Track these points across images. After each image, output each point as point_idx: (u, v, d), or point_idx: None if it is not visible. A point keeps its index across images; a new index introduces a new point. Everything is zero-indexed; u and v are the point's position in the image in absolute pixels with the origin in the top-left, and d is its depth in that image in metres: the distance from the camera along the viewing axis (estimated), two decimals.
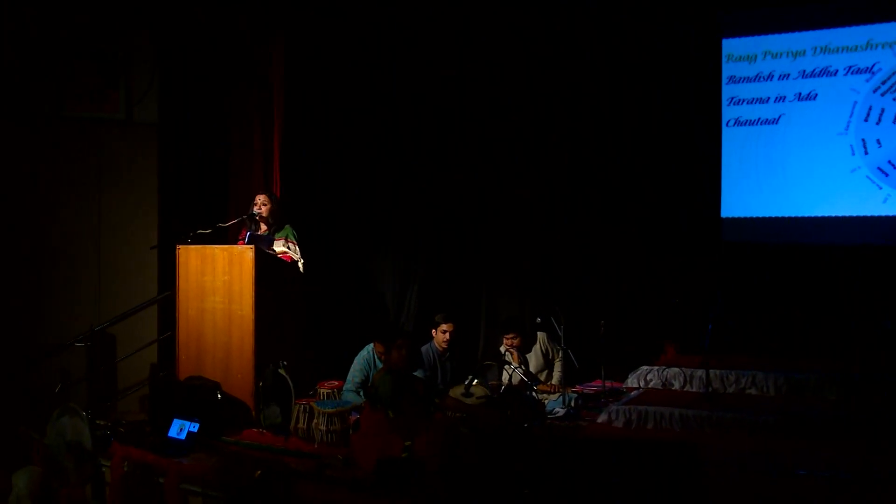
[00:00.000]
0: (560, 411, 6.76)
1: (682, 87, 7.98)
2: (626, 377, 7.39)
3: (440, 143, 8.39)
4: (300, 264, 7.14)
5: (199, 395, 6.34)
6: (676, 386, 7.13)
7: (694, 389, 6.99)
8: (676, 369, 7.15)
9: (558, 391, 7.10)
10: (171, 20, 7.89)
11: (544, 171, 8.22)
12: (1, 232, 7.27)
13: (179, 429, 5.92)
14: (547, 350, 7.49)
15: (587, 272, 8.09)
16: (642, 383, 7.26)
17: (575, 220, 8.16)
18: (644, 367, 7.34)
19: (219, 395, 6.39)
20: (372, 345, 7.04)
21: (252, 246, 6.68)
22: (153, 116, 7.77)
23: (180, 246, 6.77)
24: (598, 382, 7.24)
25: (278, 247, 7.14)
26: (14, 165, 7.37)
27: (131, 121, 7.68)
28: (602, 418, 6.53)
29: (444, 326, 7.16)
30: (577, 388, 7.35)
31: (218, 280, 6.64)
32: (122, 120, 7.65)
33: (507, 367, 7.11)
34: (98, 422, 6.31)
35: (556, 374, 7.41)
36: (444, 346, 7.18)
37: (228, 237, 7.49)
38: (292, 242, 7.19)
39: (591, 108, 8.12)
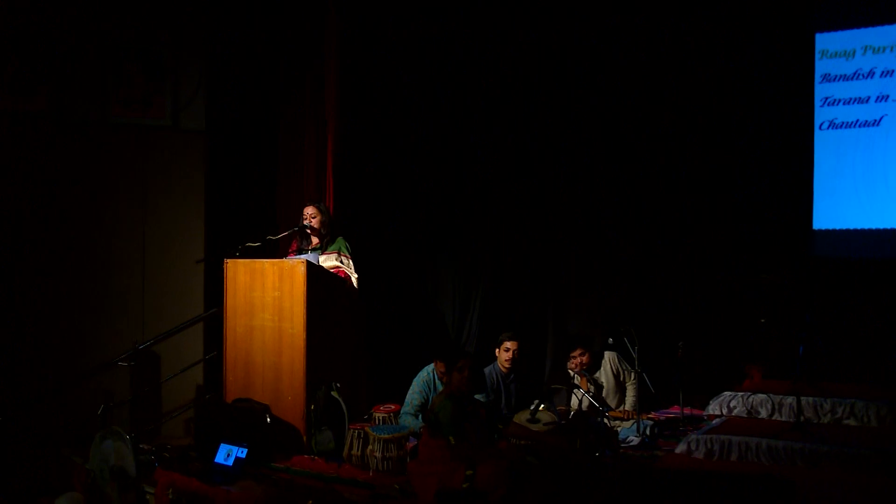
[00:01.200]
0: (634, 440, 6.71)
1: (771, 88, 7.89)
2: (707, 404, 7.33)
3: (505, 150, 8.41)
4: (354, 279, 7.18)
5: (247, 419, 6.38)
6: (763, 414, 7.04)
7: (783, 418, 6.90)
8: (763, 396, 7.06)
9: (632, 418, 7.05)
10: (219, 22, 8.03)
11: (620, 179, 8.20)
12: (43, 243, 7.46)
13: (227, 454, 5.95)
14: (618, 372, 7.43)
15: (664, 288, 8.04)
16: (725, 411, 7.19)
17: (653, 232, 8.11)
18: (727, 393, 7.27)
19: (268, 419, 6.43)
20: (432, 365, 7.05)
21: (304, 260, 6.72)
22: (200, 123, 7.90)
23: (228, 260, 6.84)
24: (675, 409, 7.19)
25: (330, 261, 7.19)
26: (58, 173, 7.55)
27: (178, 127, 7.81)
28: (680, 448, 6.47)
29: (507, 345, 7.16)
30: (653, 414, 7.29)
31: (267, 296, 6.69)
32: (168, 126, 7.79)
33: (576, 391, 7.08)
34: (142, 446, 6.39)
35: (630, 400, 7.36)
36: (508, 366, 7.17)
37: (279, 250, 7.57)
38: (346, 256, 7.23)
39: (674, 113, 8.09)
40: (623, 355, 7.46)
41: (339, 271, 7.16)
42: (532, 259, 8.39)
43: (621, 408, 7.34)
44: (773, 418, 6.96)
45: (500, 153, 8.42)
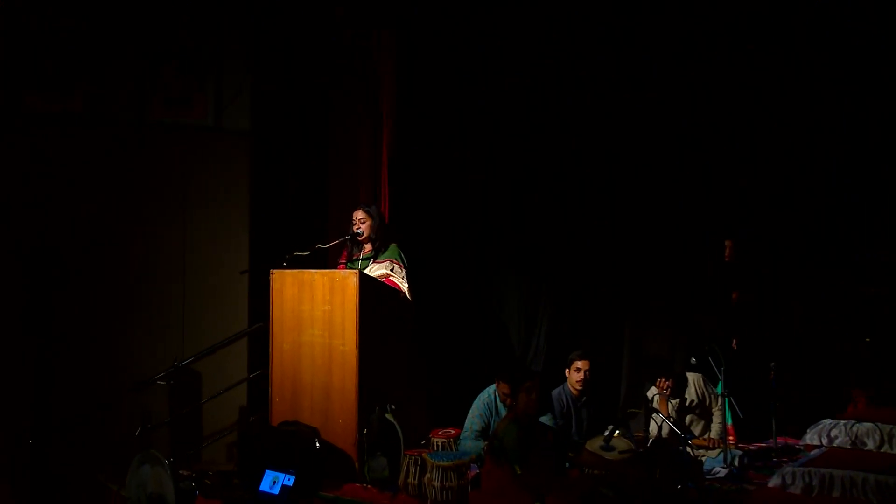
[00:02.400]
0: (721, 471, 6.64)
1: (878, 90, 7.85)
2: (804, 432, 7.24)
3: (575, 151, 8.40)
4: (405, 289, 7.18)
5: (294, 444, 6.38)
6: (870, 445, 6.93)
7: (894, 451, 6.79)
8: (870, 425, 6.97)
9: (718, 446, 6.99)
10: (265, 15, 8.08)
11: (703, 182, 8.21)
12: (78, 252, 7.56)
13: (272, 482, 5.95)
14: (703, 396, 7.37)
15: (755, 303, 7.98)
16: (825, 441, 7.10)
17: (740, 241, 8.08)
18: (827, 421, 7.19)
19: (317, 444, 6.42)
20: (494, 386, 7.04)
21: (356, 270, 6.74)
22: (245, 123, 7.95)
23: (274, 271, 6.85)
24: (769, 438, 7.08)
25: (379, 269, 7.19)
26: (94, 177, 7.66)
27: (220, 128, 7.87)
28: (774, 482, 6.39)
29: (578, 364, 7.15)
30: (742, 443, 7.18)
31: (317, 310, 6.70)
32: (210, 127, 7.85)
33: (655, 415, 7.02)
34: (181, 472, 6.42)
35: (716, 426, 7.30)
36: (580, 388, 7.16)
37: (329, 260, 7.58)
38: (398, 265, 7.22)
39: (768, 116, 8.13)
40: (707, 376, 7.39)
41: (388, 281, 7.15)
42: (606, 270, 8.39)
43: (706, 435, 7.28)
44: (883, 450, 6.84)
45: (571, 157, 8.42)
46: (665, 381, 7.25)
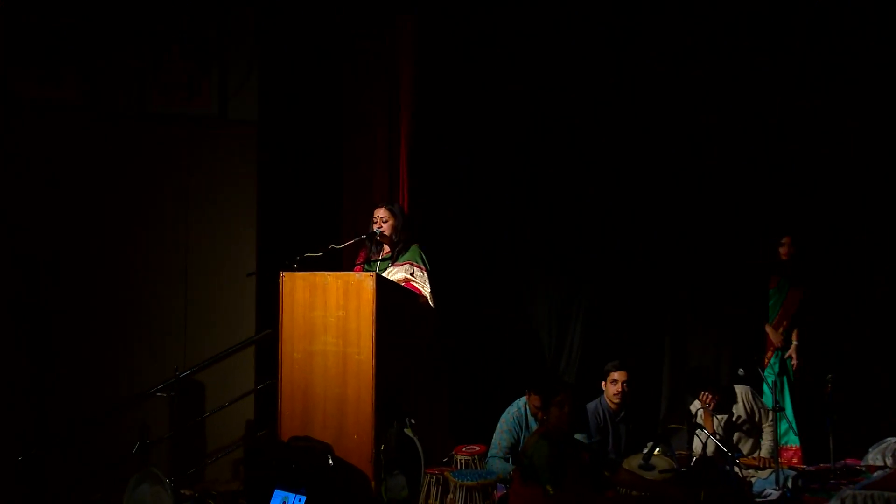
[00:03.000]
0: (772, 493, 6.57)
1: None
2: (866, 451, 7.21)
3: (612, 142, 8.40)
4: (427, 294, 7.17)
5: (305, 461, 6.35)
6: None
7: None
8: None
9: (769, 466, 6.93)
10: None
11: (755, 171, 8.22)
12: (70, 251, 7.57)
13: (282, 502, 5.94)
14: (752, 410, 7.32)
15: (809, 307, 7.93)
16: (889, 461, 7.07)
17: (800, 234, 8.04)
18: (891, 440, 7.16)
19: (330, 461, 6.39)
20: (523, 399, 7.02)
21: (373, 273, 6.72)
22: (252, 113, 7.94)
23: (284, 273, 6.80)
24: (827, 458, 7.02)
25: (399, 273, 7.18)
26: (88, 170, 7.67)
27: (225, 118, 7.86)
28: None
29: (615, 376, 7.14)
30: (796, 462, 7.17)
31: (331, 316, 6.66)
32: (214, 116, 7.85)
33: (699, 432, 6.98)
34: (183, 491, 6.48)
35: (767, 444, 7.26)
36: (617, 401, 7.15)
37: (343, 262, 7.57)
38: (419, 267, 7.21)
39: (834, 93, 8.15)
40: (757, 389, 7.37)
41: (408, 284, 7.15)
42: (645, 271, 8.37)
43: (756, 454, 7.22)
44: None
45: (608, 149, 8.42)
46: (709, 395, 7.20)
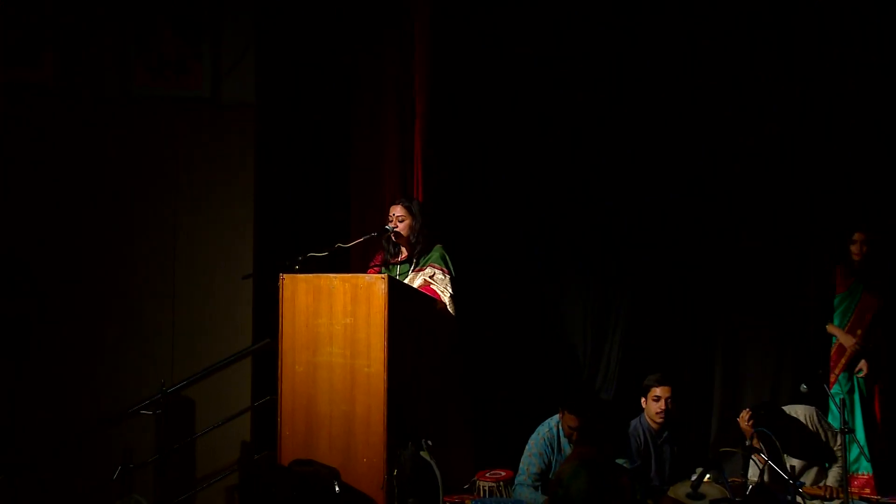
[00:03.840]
0: None
1: None
2: None
3: (653, 131, 8.39)
4: (447, 300, 7.14)
5: (308, 487, 6.32)
6: None
7: None
8: None
9: (837, 497, 6.92)
10: None
11: (823, 160, 8.21)
12: (46, 249, 7.58)
13: None
14: (817, 432, 7.27)
15: (886, 316, 7.86)
16: None
17: (877, 231, 7.98)
18: None
19: (336, 488, 6.35)
20: (556, 418, 7.01)
21: (385, 275, 6.69)
22: (249, 94, 7.93)
23: (285, 275, 6.78)
24: None
25: (419, 278, 7.16)
26: (66, 159, 7.67)
27: (219, 100, 7.85)
28: None
29: (657, 391, 7.12)
30: (868, 493, 7.18)
31: (337, 323, 6.63)
32: (206, 99, 7.84)
33: (755, 455, 6.94)
34: None
35: (834, 472, 7.22)
36: (659, 420, 7.13)
37: (351, 263, 7.57)
38: (441, 270, 7.19)
39: None
40: (822, 408, 7.36)
41: (428, 290, 7.13)
42: (692, 273, 8.35)
43: (822, 483, 7.17)
44: None
45: (650, 139, 8.41)
46: (750, 414, 7.17)
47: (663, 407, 7.06)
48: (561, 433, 6.93)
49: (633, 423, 7.17)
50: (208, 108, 7.84)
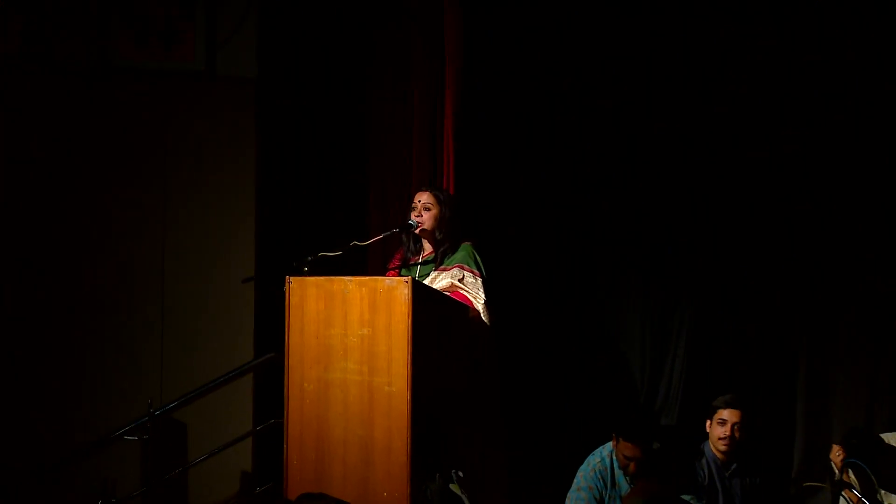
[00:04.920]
0: None
1: None
2: None
3: (725, 113, 8.39)
4: (480, 307, 7.07)
5: None
6: None
7: None
8: None
9: None
10: None
11: None
12: (15, 249, 7.64)
13: None
14: None
15: None
16: None
17: None
18: None
19: None
20: (609, 446, 6.99)
21: (409, 278, 6.60)
22: (249, 67, 7.99)
23: (292, 278, 6.72)
24: None
25: (444, 279, 7.09)
26: (37, 141, 7.73)
27: (213, 73, 7.90)
28: None
29: (724, 414, 7.12)
30: None
31: (352, 334, 6.58)
32: (199, 72, 7.90)
33: (846, 492, 6.89)
34: None
35: None
36: (723, 448, 7.14)
37: (368, 264, 7.60)
38: (471, 272, 7.10)
39: None
40: None
41: (458, 295, 7.06)
42: (770, 278, 8.32)
43: None
44: None
45: (719, 120, 8.40)
46: (841, 448, 7.20)
47: (728, 433, 7.04)
48: (615, 464, 6.89)
49: (702, 451, 7.18)
50: (202, 83, 7.90)
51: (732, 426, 7.03)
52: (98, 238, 7.77)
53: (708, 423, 7.16)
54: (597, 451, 7.00)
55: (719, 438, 7.06)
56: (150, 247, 7.78)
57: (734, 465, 7.11)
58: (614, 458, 6.88)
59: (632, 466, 6.69)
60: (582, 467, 6.98)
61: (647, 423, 7.51)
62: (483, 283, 7.07)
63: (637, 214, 8.43)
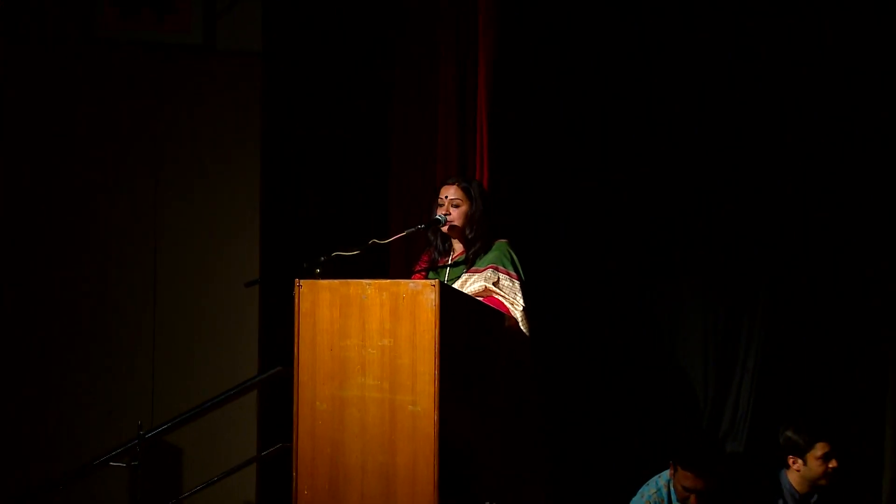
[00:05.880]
0: None
1: None
2: None
3: (798, 98, 8.40)
4: (519, 315, 7.06)
5: None
6: None
7: None
8: None
9: None
10: None
11: None
12: None
13: None
14: None
15: None
16: None
17: None
18: None
19: None
20: (666, 475, 7.04)
21: (436, 281, 6.53)
22: (253, 40, 8.08)
23: (303, 281, 6.71)
24: None
25: (476, 283, 7.08)
26: (8, 124, 7.78)
27: (213, 47, 7.98)
28: None
29: (823, 448, 7.08)
30: None
31: (372, 346, 6.54)
32: (196, 46, 7.96)
33: None
34: None
35: None
36: (824, 483, 7.12)
37: (390, 265, 7.72)
38: (508, 274, 7.10)
39: None
40: None
41: (489, 299, 7.05)
42: (854, 284, 8.29)
43: None
44: None
45: (795, 105, 8.42)
46: None
47: (836, 465, 7.04)
48: (673, 496, 6.94)
49: (781, 478, 7.18)
50: (199, 58, 7.99)
51: (824, 460, 7.03)
52: (79, 236, 7.82)
53: (791, 458, 7.13)
54: (652, 481, 7.05)
55: (824, 473, 7.06)
56: (140, 245, 7.83)
57: (815, 497, 7.14)
58: (672, 488, 6.92)
59: (692, 499, 6.74)
60: (634, 499, 7.04)
61: (711, 449, 7.60)
62: (521, 286, 7.06)
63: (699, 207, 8.45)
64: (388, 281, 6.67)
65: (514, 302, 7.01)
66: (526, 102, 8.27)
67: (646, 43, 8.45)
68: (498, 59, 8.09)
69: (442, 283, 6.44)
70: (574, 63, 8.40)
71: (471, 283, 7.05)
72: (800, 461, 7.11)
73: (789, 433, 7.15)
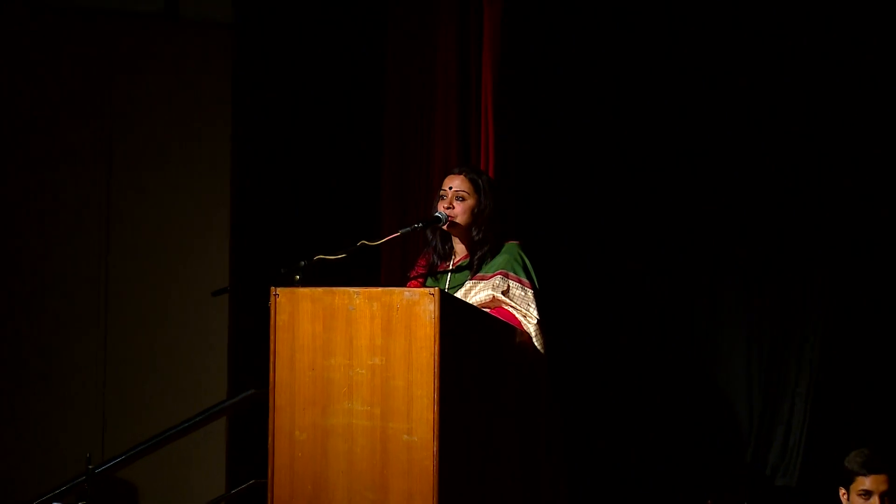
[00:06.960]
0: None
1: None
2: None
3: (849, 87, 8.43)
4: (532, 328, 7.01)
5: None
6: None
7: None
8: None
9: None
10: None
11: None
12: None
13: None
14: None
15: None
16: None
17: None
18: None
19: None
20: None
21: (436, 289, 6.46)
22: (223, 9, 8.22)
23: (280, 289, 6.68)
24: None
25: (484, 291, 7.02)
26: None
27: (176, 15, 8.11)
28: None
29: (866, 483, 6.97)
30: None
31: (360, 365, 6.49)
32: (158, 14, 8.08)
33: None
34: None
35: None
36: None
37: (382, 271, 7.77)
38: (520, 282, 7.06)
39: None
40: None
41: (498, 311, 7.00)
42: None
43: None
44: None
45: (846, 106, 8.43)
46: None
47: None
48: None
49: None
50: (160, 27, 8.15)
51: (881, 497, 6.96)
52: (19, 233, 7.89)
53: (842, 492, 7.09)
54: None
55: None
56: (89, 245, 7.94)
57: None
58: None
59: None
60: None
61: (756, 485, 7.69)
62: (535, 295, 7.00)
63: (744, 210, 8.48)
64: (380, 289, 6.60)
65: (526, 314, 6.96)
66: (536, 98, 8.36)
67: (677, 25, 8.52)
68: (505, 46, 8.13)
69: (442, 292, 6.37)
70: (598, 39, 8.49)
71: (476, 292, 6.99)
72: (847, 495, 7.10)
73: (846, 460, 7.10)
